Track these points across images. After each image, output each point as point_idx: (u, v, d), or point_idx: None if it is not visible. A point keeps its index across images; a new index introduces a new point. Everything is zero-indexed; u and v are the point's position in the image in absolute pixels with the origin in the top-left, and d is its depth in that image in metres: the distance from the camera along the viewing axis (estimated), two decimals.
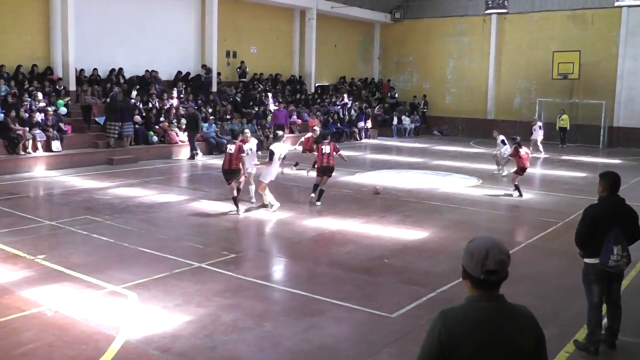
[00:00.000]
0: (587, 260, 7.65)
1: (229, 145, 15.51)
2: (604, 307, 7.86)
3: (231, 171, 15.13)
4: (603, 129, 34.97)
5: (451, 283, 9.89)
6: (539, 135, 30.51)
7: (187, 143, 25.91)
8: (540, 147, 30.36)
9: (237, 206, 15.18)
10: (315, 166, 17.80)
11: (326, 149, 16.66)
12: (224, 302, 9.01)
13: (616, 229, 7.33)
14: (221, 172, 15.64)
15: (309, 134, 22.27)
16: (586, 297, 7.79)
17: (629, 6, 34.14)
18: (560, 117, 34.49)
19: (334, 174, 17.19)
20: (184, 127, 26.44)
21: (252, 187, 16.61)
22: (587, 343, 7.72)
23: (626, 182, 21.24)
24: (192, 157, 25.61)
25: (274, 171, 15.89)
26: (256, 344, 7.66)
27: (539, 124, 30.93)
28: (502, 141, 22.96)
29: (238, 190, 15.48)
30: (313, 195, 16.70)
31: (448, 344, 3.25)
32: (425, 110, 41.62)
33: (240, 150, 15.13)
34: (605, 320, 7.92)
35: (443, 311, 3.38)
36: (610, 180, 7.61)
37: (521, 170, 18.60)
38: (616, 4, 34.37)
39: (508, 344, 3.28)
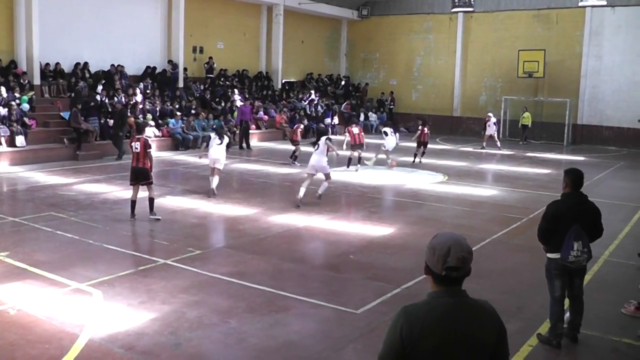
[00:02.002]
0: (549, 255, 7.80)
1: (133, 144, 14.05)
2: (567, 301, 8.01)
3: (140, 169, 13.94)
4: (567, 127, 35.43)
5: (416, 279, 9.97)
6: (493, 130, 30.85)
7: (155, 140, 25.72)
8: (498, 143, 31.02)
9: (151, 207, 14.17)
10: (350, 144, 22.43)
11: (355, 130, 22.05)
12: (189, 298, 9.00)
13: (577, 225, 7.45)
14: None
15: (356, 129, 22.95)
16: (549, 292, 7.94)
17: (593, 6, 34.59)
18: (522, 114, 35.01)
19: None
20: (150, 122, 26.28)
21: (215, 179, 17.02)
22: (549, 336, 7.86)
23: (590, 179, 21.54)
24: (120, 157, 23.53)
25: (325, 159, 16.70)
26: (221, 340, 7.67)
27: (494, 120, 31.17)
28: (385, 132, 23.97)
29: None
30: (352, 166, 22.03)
31: (410, 339, 3.28)
32: (392, 106, 41.80)
33: (146, 145, 13.87)
34: (567, 315, 8.06)
35: (405, 307, 3.42)
36: (572, 177, 7.74)
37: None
38: (580, 4, 34.78)
39: (470, 339, 3.32)
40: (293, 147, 24.16)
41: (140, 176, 14.02)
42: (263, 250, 11.99)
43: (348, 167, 22.71)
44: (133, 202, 14.09)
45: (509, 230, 14.28)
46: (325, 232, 13.52)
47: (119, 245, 11.73)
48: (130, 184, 14.23)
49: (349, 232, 13.51)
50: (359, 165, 22.66)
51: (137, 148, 13.87)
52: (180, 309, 8.57)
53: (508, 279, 10.83)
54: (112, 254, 11.26)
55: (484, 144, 31.08)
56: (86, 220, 13.72)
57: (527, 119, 34.99)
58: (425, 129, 25.62)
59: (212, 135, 17.74)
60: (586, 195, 7.76)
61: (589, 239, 7.55)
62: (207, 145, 17.46)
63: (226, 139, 17.51)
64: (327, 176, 16.63)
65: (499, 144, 30.89)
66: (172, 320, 8.16)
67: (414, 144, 25.65)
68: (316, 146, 16.87)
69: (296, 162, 23.50)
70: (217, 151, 17.16)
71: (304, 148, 24.29)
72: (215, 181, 16.99)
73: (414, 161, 25.16)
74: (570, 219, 7.50)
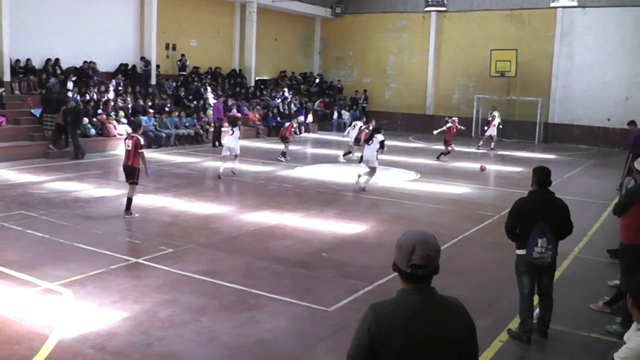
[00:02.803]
0: (517, 251, 7.92)
1: (125, 141, 14.26)
2: (537, 297, 8.12)
3: (128, 167, 14.08)
4: (539, 125, 35.80)
5: (388, 276, 10.00)
6: (494, 131, 30.97)
7: (126, 137, 25.56)
8: (492, 144, 31.24)
9: (125, 206, 14.18)
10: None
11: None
12: (161, 297, 8.96)
13: (542, 222, 7.56)
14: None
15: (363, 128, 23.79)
16: (518, 288, 8.04)
17: (564, 7, 35.28)
18: (491, 113, 35.15)
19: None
20: (122, 119, 26.14)
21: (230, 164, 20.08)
22: (519, 332, 7.96)
23: (560, 177, 21.81)
24: (77, 156, 22.92)
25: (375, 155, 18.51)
26: (193, 339, 7.65)
27: (498, 120, 31.24)
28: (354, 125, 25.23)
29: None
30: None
31: (378, 337, 3.31)
32: (365, 105, 41.89)
33: (137, 145, 13.91)
34: (537, 311, 8.16)
35: (374, 304, 3.43)
36: (539, 174, 7.85)
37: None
38: (551, 4, 35.53)
39: (438, 336, 3.34)
40: (282, 145, 24.48)
41: (128, 174, 14.10)
42: (235, 248, 11.98)
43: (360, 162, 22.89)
44: (129, 200, 14.19)
45: (481, 228, 14.40)
46: (298, 230, 13.53)
47: (91, 244, 11.62)
48: (126, 182, 14.36)
49: (321, 230, 13.54)
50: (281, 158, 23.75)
51: (128, 146, 13.96)
52: (152, 308, 8.53)
53: (479, 275, 10.94)
54: (84, 253, 11.17)
55: (481, 143, 31.15)
56: (57, 219, 13.60)
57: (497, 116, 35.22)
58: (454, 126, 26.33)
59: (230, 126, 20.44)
60: (553, 192, 7.85)
61: (554, 236, 7.64)
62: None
63: (237, 130, 20.13)
64: (373, 170, 18.54)
65: (492, 144, 31.11)
66: (143, 319, 8.13)
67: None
68: (370, 141, 18.56)
69: (287, 158, 23.66)
70: (231, 141, 19.91)
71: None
72: (229, 165, 20.00)
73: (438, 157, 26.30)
74: (535, 216, 7.61)
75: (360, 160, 22.53)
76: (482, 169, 23.43)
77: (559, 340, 8.10)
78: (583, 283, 10.62)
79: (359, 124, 25.15)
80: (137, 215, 14.08)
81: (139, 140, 13.96)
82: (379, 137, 18.48)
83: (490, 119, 31.55)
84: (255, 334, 7.88)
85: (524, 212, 7.76)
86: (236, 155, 20.08)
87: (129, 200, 14.11)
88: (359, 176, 18.86)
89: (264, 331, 7.98)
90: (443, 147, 26.33)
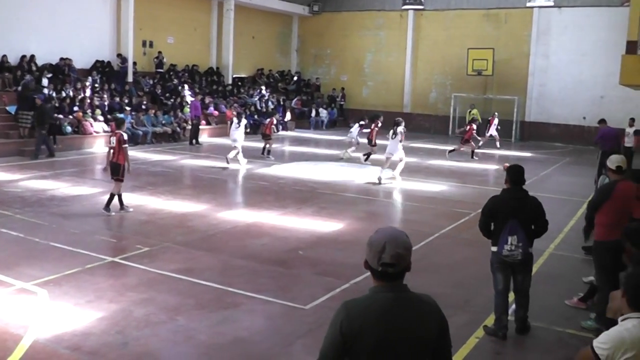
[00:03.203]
0: (492, 248, 7.98)
1: (111, 138, 14.35)
2: (513, 295, 8.20)
3: (113, 164, 14.07)
4: (515, 124, 36.05)
5: (365, 274, 9.99)
6: (494, 131, 30.92)
7: (103, 135, 25.44)
8: (497, 143, 31.22)
9: (106, 203, 14.16)
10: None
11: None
12: (137, 296, 8.92)
13: (514, 220, 7.62)
14: None
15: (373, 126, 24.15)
16: (493, 285, 8.11)
17: (540, 7, 35.69)
18: (470, 111, 35.38)
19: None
20: (98, 117, 25.99)
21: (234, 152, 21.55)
22: (495, 328, 8.02)
23: (537, 175, 21.99)
24: (36, 156, 22.15)
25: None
26: (169, 338, 7.62)
27: (497, 120, 31.23)
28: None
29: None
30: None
31: (350, 335, 3.32)
32: (342, 103, 41.94)
33: (120, 141, 13.92)
34: (513, 307, 8.24)
35: (346, 302, 3.44)
36: (512, 173, 7.94)
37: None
38: (528, 4, 35.93)
39: (410, 333, 3.36)
40: (263, 143, 24.57)
41: (113, 171, 14.09)
42: (212, 246, 11.96)
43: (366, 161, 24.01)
44: (118, 196, 14.19)
45: (457, 225, 14.47)
46: (275, 228, 13.53)
47: (66, 243, 11.55)
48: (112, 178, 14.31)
49: (298, 228, 13.54)
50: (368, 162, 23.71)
51: (113, 143, 14.01)
52: (128, 307, 8.49)
53: (456, 272, 11.00)
54: (59, 252, 11.09)
55: (481, 143, 31.14)
56: (32, 218, 13.50)
57: (474, 114, 35.40)
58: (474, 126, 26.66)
59: (235, 119, 22.52)
60: (526, 190, 7.92)
61: (526, 234, 7.71)
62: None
63: (243, 122, 22.47)
64: (396, 161, 19.73)
65: (498, 144, 31.20)
66: (119, 319, 8.08)
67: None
68: (393, 135, 19.66)
69: (270, 157, 23.65)
70: (234, 133, 21.89)
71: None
72: (233, 154, 21.49)
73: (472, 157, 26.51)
74: (507, 214, 7.69)
75: (367, 158, 23.59)
76: (505, 168, 23.19)
77: (534, 336, 8.18)
78: (558, 279, 10.71)
79: (359, 123, 25.79)
80: (113, 213, 14.00)
81: (122, 136, 13.93)
82: (400, 129, 19.65)
83: (490, 118, 31.56)
84: (231, 333, 7.87)
85: (496, 210, 7.83)
86: (235, 147, 21.75)
87: (111, 196, 14.05)
88: (381, 171, 19.74)
89: (241, 329, 7.98)
90: (456, 146, 26.67)
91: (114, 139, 14.01)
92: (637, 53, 14.27)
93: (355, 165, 23.57)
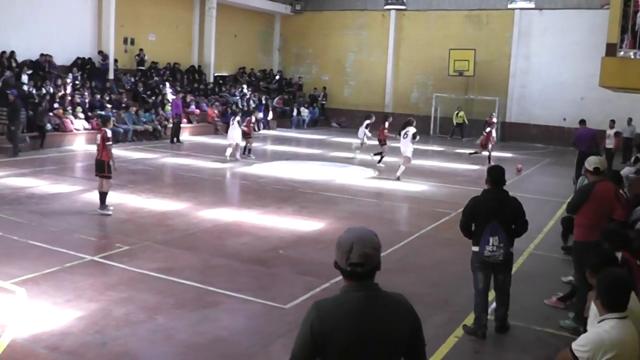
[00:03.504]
0: (472, 248, 8.01)
1: (97, 135, 14.27)
2: (494, 294, 8.28)
3: (97, 162, 14.02)
4: (496, 124, 36.07)
5: None
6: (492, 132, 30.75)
7: (84, 133, 25.29)
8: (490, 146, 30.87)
9: (99, 201, 14.04)
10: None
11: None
12: (116, 296, 8.88)
13: (494, 221, 7.67)
14: None
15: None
16: (473, 284, 8.15)
17: (521, 9, 35.97)
18: (457, 113, 35.65)
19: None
20: (79, 114, 25.83)
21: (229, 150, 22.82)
22: (475, 328, 8.07)
23: (516, 175, 22.08)
24: (15, 153, 21.87)
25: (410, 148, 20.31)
26: (148, 337, 7.60)
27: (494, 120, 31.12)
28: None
29: None
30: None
31: (321, 335, 3.34)
32: (324, 102, 41.97)
33: (104, 138, 13.79)
34: (493, 306, 8.30)
35: (316, 302, 3.46)
36: (492, 173, 7.98)
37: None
38: (509, 6, 36.17)
39: (382, 332, 3.37)
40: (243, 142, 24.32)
41: (97, 168, 14.01)
42: (192, 245, 11.92)
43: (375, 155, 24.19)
44: (100, 194, 14.04)
45: (438, 225, 14.52)
46: (256, 227, 13.51)
47: (45, 242, 11.46)
48: (95, 175, 14.26)
49: (279, 227, 13.53)
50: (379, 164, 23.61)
51: (97, 140, 13.95)
52: (107, 306, 8.44)
53: (436, 272, 11.06)
54: (38, 250, 11.00)
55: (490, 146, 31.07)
56: (11, 216, 13.38)
57: (461, 117, 35.71)
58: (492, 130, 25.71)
59: (233, 117, 23.84)
60: (507, 191, 7.97)
61: (507, 234, 7.76)
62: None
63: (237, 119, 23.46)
64: (407, 160, 20.42)
65: (485, 146, 30.92)
66: (98, 318, 8.04)
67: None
68: (404, 135, 20.27)
69: (251, 156, 23.60)
70: (235, 131, 23.02)
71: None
72: (229, 151, 22.81)
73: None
74: (487, 215, 7.73)
75: (380, 160, 23.52)
76: (519, 170, 23.51)
77: (513, 335, 8.23)
78: (537, 279, 10.78)
79: (365, 123, 25.68)
80: (110, 211, 13.92)
81: (106, 133, 13.82)
82: (411, 129, 20.27)
83: (487, 119, 31.53)
84: (211, 332, 7.85)
85: (476, 210, 7.88)
86: (237, 144, 23.08)
87: (102, 195, 13.97)
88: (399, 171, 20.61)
89: (220, 329, 7.97)
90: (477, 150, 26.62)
91: (98, 136, 13.97)
92: (616, 55, 14.35)
93: (336, 164, 23.58)
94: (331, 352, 3.36)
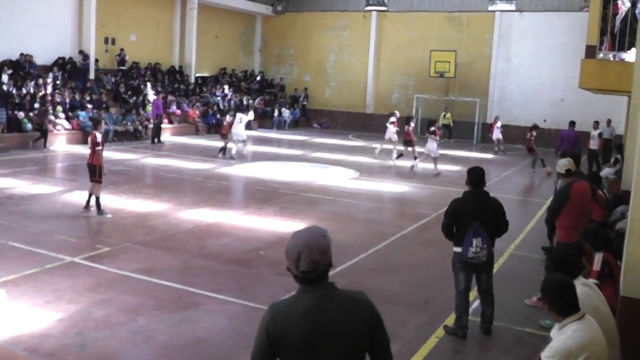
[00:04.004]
0: (454, 248, 8.04)
1: (89, 138, 14.21)
2: (476, 295, 8.36)
3: (88, 165, 14.01)
4: (477, 125, 36.43)
5: None
6: (498, 134, 30.72)
7: (65, 133, 25.14)
8: (501, 147, 30.97)
9: (95, 206, 13.91)
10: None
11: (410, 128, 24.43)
12: (96, 297, 8.83)
13: (476, 222, 7.71)
14: None
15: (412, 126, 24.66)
16: (454, 284, 8.18)
17: (502, 11, 36.24)
18: (444, 115, 35.82)
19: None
20: (60, 114, 25.67)
21: (233, 147, 23.88)
22: (455, 328, 8.11)
23: (498, 176, 22.26)
24: None
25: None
26: (128, 339, 7.57)
27: (499, 123, 31.14)
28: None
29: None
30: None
31: (275, 336, 3.37)
32: (305, 103, 41.99)
33: (93, 142, 13.75)
34: (475, 307, 8.35)
35: (271, 305, 3.50)
36: (472, 175, 8.02)
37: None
38: (490, 8, 36.34)
39: (337, 330, 3.39)
40: (222, 142, 24.45)
41: (89, 172, 13.94)
42: (173, 246, 11.88)
43: (397, 158, 24.97)
44: (95, 198, 13.92)
45: (419, 226, 14.58)
46: (236, 227, 13.50)
47: (25, 243, 11.38)
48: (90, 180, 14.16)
49: (259, 228, 13.52)
50: (417, 161, 23.71)
51: (89, 144, 13.90)
52: (87, 308, 8.40)
53: (417, 273, 11.08)
54: (18, 252, 10.92)
55: (496, 148, 31.06)
56: None
57: (448, 119, 35.86)
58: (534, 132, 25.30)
59: (238, 114, 24.97)
60: (487, 192, 8.02)
61: (489, 235, 7.80)
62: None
63: (245, 118, 24.63)
64: (436, 160, 22.08)
65: (502, 147, 31.03)
66: (78, 320, 8.00)
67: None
68: (429, 135, 21.98)
69: (227, 155, 23.58)
70: (240, 128, 24.09)
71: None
72: (235, 149, 23.84)
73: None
74: (470, 216, 7.76)
75: (398, 157, 24.56)
76: (549, 173, 23.42)
77: (494, 335, 8.27)
78: (518, 279, 10.84)
79: (391, 119, 25.61)
80: (109, 215, 13.80)
81: (96, 137, 13.77)
82: (432, 128, 22.21)
83: (492, 122, 31.62)
84: (191, 333, 7.84)
85: (458, 212, 7.91)
86: (243, 141, 24.31)
87: (96, 199, 13.86)
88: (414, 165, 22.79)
89: (200, 330, 7.95)
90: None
91: (89, 140, 13.96)
92: (596, 57, 14.48)
93: (317, 165, 23.60)
94: (288, 352, 3.39)
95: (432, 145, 22.01)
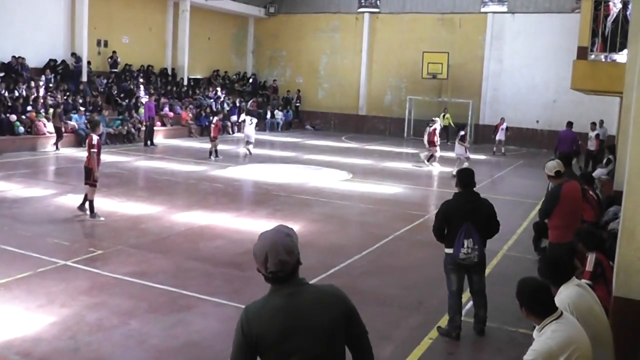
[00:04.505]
0: (446, 250, 8.06)
1: (87, 140, 14.07)
2: (469, 296, 8.38)
3: (85, 168, 13.87)
4: (470, 127, 36.32)
5: (319, 276, 10.03)
6: (503, 135, 30.80)
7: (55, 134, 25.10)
8: (502, 149, 31.07)
9: (88, 208, 13.85)
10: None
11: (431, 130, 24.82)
12: (89, 300, 8.81)
13: (468, 223, 7.73)
14: None
15: (432, 128, 24.87)
16: (447, 286, 8.19)
17: (494, 12, 36.31)
18: (444, 115, 35.81)
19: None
20: (52, 117, 25.61)
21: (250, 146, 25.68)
22: (449, 329, 8.11)
23: (491, 177, 22.30)
24: None
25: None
26: (121, 343, 7.55)
27: (505, 124, 31.15)
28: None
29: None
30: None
31: (250, 336, 3.44)
32: (298, 104, 41.98)
33: (90, 145, 13.63)
34: (468, 309, 8.37)
35: (246, 306, 3.58)
36: (461, 177, 8.05)
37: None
38: (482, 10, 36.39)
39: (311, 323, 3.45)
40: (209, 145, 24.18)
41: (85, 174, 13.82)
42: (166, 249, 11.87)
43: (428, 161, 25.23)
44: (89, 201, 13.85)
45: (412, 227, 14.57)
46: (229, 230, 13.48)
47: (17, 247, 11.34)
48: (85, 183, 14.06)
49: (253, 230, 13.44)
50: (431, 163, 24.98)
51: (86, 146, 13.84)
52: (80, 312, 8.38)
53: (410, 274, 11.08)
54: (10, 255, 10.89)
55: (495, 149, 31.24)
56: None
57: (448, 119, 35.79)
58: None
59: (249, 116, 26.88)
60: (478, 193, 8.03)
61: (480, 236, 7.82)
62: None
63: (255, 120, 26.39)
64: (467, 159, 22.28)
65: (503, 150, 31.14)
66: (71, 324, 7.97)
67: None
68: (459, 140, 22.66)
69: (218, 157, 23.50)
70: (250, 130, 25.72)
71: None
72: (246, 151, 25.86)
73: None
74: (461, 217, 7.78)
75: (429, 159, 25.02)
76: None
77: (487, 336, 8.28)
78: (511, 280, 10.73)
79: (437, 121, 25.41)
80: (102, 218, 13.76)
81: (92, 139, 13.63)
82: (461, 133, 22.85)
83: (498, 123, 31.58)
84: (184, 336, 7.83)
85: (449, 214, 7.92)
86: (251, 142, 25.87)
87: (90, 203, 13.79)
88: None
89: (194, 332, 7.94)
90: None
91: (86, 142, 13.93)
92: (587, 58, 14.54)
93: (310, 167, 23.60)
94: (265, 349, 3.45)
95: (460, 150, 22.62)
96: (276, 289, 3.51)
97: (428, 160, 24.95)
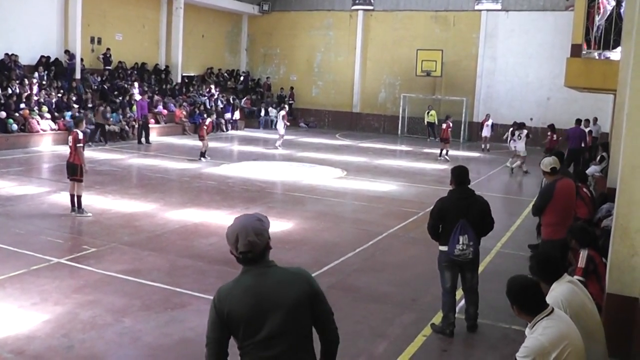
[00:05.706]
0: (440, 247, 8.07)
1: (69, 137, 14.24)
2: (462, 293, 8.36)
3: (68, 164, 13.87)
4: (464, 124, 36.53)
5: (313, 273, 9.99)
6: (488, 132, 31.08)
7: (50, 133, 25.02)
8: (487, 146, 31.41)
9: (76, 205, 13.84)
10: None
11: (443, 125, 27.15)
12: (83, 298, 8.79)
13: (463, 220, 7.74)
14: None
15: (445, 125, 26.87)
16: (440, 283, 8.20)
17: (488, 10, 36.34)
18: (428, 112, 35.90)
19: None
20: (45, 115, 25.54)
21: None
22: (442, 326, 8.13)
23: (485, 174, 22.33)
24: None
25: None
26: (115, 340, 7.54)
27: (490, 121, 31.41)
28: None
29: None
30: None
31: (222, 313, 3.72)
32: (292, 102, 41.95)
33: (75, 140, 13.71)
34: (463, 305, 8.37)
35: (219, 287, 3.86)
36: (456, 174, 8.05)
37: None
38: (476, 7, 36.45)
39: (277, 301, 3.72)
40: (200, 143, 23.83)
41: (69, 171, 13.85)
42: (159, 246, 11.85)
43: (440, 156, 26.80)
44: (71, 197, 13.90)
45: (405, 224, 14.59)
46: (223, 227, 13.20)
47: (11, 244, 11.31)
48: (67, 178, 14.12)
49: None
50: (445, 157, 26.58)
51: (69, 142, 13.84)
52: (73, 309, 8.36)
53: (404, 271, 11.08)
54: (3, 253, 10.85)
55: (483, 145, 31.45)
56: None
57: (433, 116, 35.93)
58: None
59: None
60: (472, 190, 8.04)
61: (475, 233, 7.83)
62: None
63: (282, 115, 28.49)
64: (524, 158, 23.78)
65: (487, 146, 31.41)
66: (65, 321, 7.96)
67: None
68: (519, 137, 24.00)
69: (206, 157, 23.24)
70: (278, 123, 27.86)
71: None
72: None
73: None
74: (456, 214, 7.80)
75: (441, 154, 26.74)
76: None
77: (480, 333, 8.30)
78: (505, 277, 10.68)
79: (524, 132, 24.63)
80: (90, 214, 13.80)
81: (78, 135, 13.71)
82: (524, 132, 24.13)
83: (483, 119, 31.73)
84: (178, 333, 7.83)
85: (444, 211, 7.93)
86: (281, 135, 28.11)
87: (78, 198, 13.83)
88: (512, 167, 24.08)
89: (187, 330, 7.94)
90: None
91: (70, 138, 13.90)
92: (581, 56, 14.55)
93: (304, 165, 23.59)
94: (236, 326, 3.70)
95: (520, 145, 23.93)
96: (246, 270, 3.78)
97: (440, 155, 26.27)
